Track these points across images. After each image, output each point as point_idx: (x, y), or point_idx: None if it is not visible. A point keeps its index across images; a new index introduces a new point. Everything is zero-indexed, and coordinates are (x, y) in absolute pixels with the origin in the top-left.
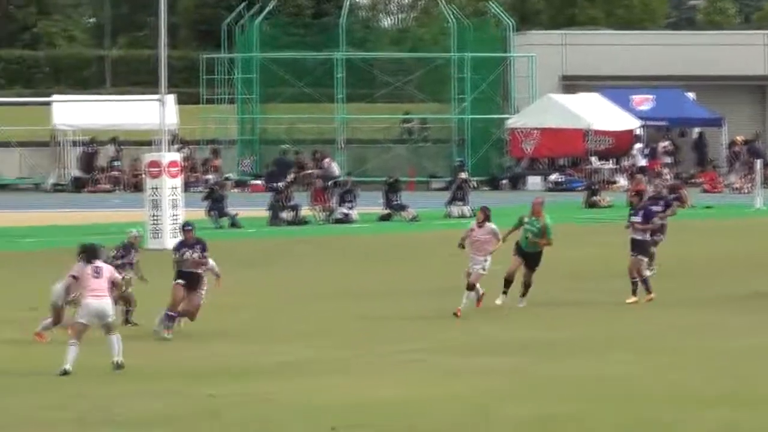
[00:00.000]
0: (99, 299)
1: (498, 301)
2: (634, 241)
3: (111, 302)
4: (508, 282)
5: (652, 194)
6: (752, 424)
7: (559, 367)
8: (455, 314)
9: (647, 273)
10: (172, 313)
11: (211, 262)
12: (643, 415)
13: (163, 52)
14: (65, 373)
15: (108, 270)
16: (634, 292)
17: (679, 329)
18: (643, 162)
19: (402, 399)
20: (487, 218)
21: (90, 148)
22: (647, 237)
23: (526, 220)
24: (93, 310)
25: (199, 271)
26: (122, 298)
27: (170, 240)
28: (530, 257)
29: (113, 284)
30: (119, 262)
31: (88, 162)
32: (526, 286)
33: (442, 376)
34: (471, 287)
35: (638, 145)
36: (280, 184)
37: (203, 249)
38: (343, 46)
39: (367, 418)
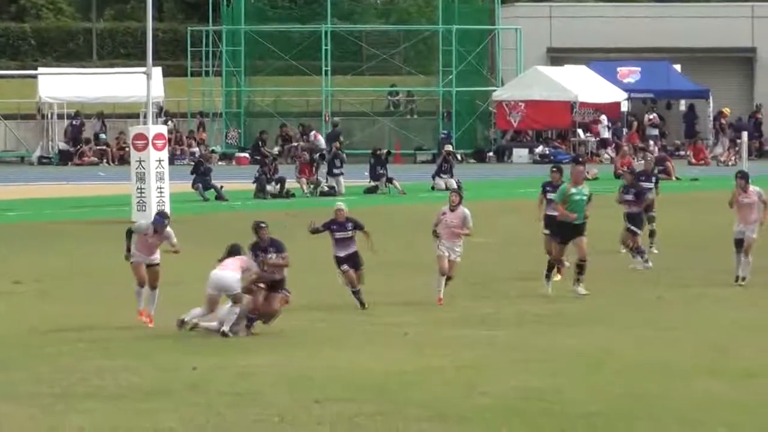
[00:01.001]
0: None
1: (550, 290)
2: (629, 215)
3: (236, 275)
4: (553, 266)
5: (643, 169)
6: (736, 397)
7: (544, 341)
8: (438, 302)
9: (640, 267)
10: (252, 316)
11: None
12: (628, 388)
13: (150, 24)
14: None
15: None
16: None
17: (664, 303)
18: (607, 135)
19: (386, 372)
20: (460, 201)
21: (76, 121)
22: (641, 210)
23: (573, 190)
24: (215, 282)
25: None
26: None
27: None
28: (578, 228)
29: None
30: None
31: (74, 135)
32: (583, 263)
33: (426, 350)
34: (449, 278)
35: (603, 117)
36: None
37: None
38: (330, 18)
39: (350, 392)
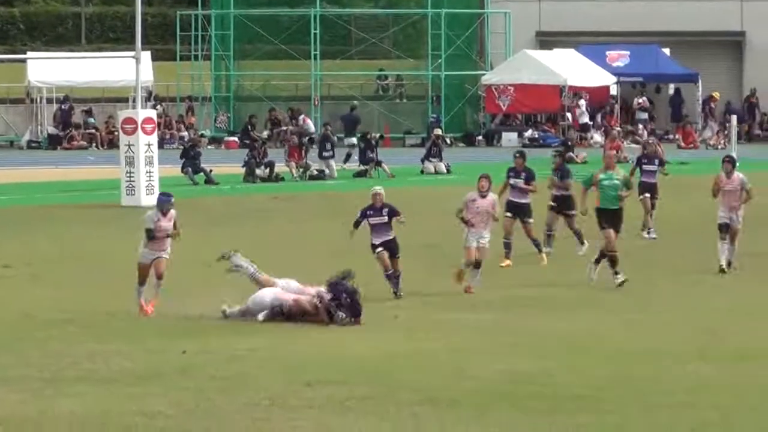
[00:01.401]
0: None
1: (595, 276)
2: (559, 198)
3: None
4: (605, 256)
5: (646, 152)
6: (727, 380)
7: (533, 324)
8: (466, 291)
9: (648, 235)
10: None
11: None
12: (617, 371)
13: (139, 8)
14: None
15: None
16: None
17: (653, 287)
18: (586, 119)
19: (376, 355)
20: (490, 187)
21: (65, 105)
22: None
23: (601, 176)
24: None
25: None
26: None
27: (145, 197)
28: (616, 217)
29: None
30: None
31: (64, 119)
32: (613, 260)
33: (417, 333)
34: (478, 264)
35: (582, 102)
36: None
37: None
38: (319, 2)
39: (341, 375)
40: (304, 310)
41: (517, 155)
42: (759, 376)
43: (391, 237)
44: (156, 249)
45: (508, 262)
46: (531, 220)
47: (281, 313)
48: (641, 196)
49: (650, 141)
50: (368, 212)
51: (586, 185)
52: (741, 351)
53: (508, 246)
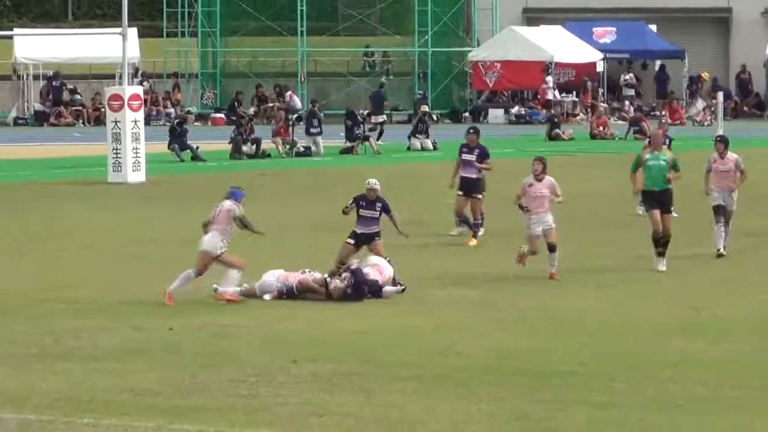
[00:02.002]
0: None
1: (662, 267)
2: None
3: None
4: (659, 241)
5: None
6: (711, 355)
7: (519, 301)
8: (551, 277)
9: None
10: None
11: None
12: (603, 347)
13: None
14: None
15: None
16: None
17: (640, 263)
18: (550, 95)
19: (362, 332)
20: (544, 169)
21: (56, 82)
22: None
23: (647, 156)
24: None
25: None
26: None
27: (132, 173)
28: (664, 198)
29: None
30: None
31: (56, 96)
32: (666, 240)
33: (405, 309)
34: (552, 248)
35: (549, 78)
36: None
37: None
38: None
39: (327, 352)
40: (309, 288)
41: (471, 131)
42: (743, 351)
43: (375, 231)
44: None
45: (474, 241)
46: (480, 196)
47: (286, 294)
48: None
49: (663, 120)
50: (361, 203)
51: (634, 168)
52: (725, 327)
53: (466, 223)
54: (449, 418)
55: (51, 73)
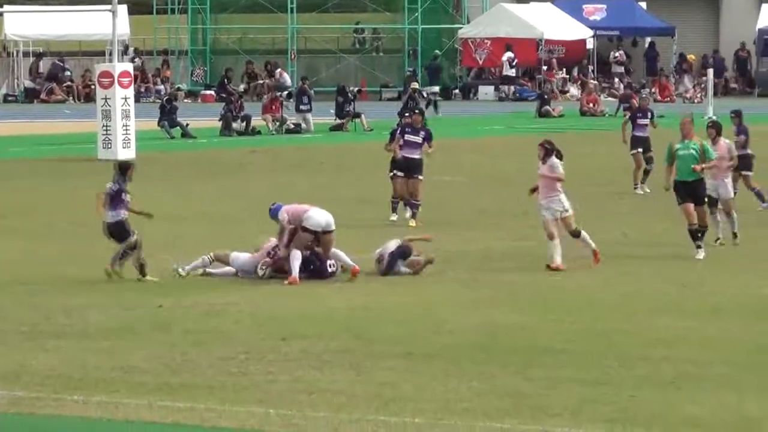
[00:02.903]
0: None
1: (700, 256)
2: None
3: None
4: (696, 234)
5: (638, 106)
6: (702, 333)
7: (510, 278)
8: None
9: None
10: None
11: None
12: (593, 325)
13: None
14: None
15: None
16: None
17: (629, 241)
18: (511, 72)
19: (352, 309)
20: (548, 153)
21: (57, 59)
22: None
23: (677, 146)
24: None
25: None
26: None
27: (122, 150)
28: (695, 189)
29: None
30: None
31: (56, 72)
32: (702, 231)
33: (393, 286)
34: (575, 234)
35: (508, 54)
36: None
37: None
38: None
39: (317, 329)
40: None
41: (416, 111)
42: (733, 329)
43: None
44: None
45: (413, 221)
46: (421, 177)
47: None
48: (634, 151)
49: (644, 94)
50: (407, 129)
51: (668, 161)
52: (715, 304)
53: (409, 204)
54: (440, 395)
55: (41, 50)
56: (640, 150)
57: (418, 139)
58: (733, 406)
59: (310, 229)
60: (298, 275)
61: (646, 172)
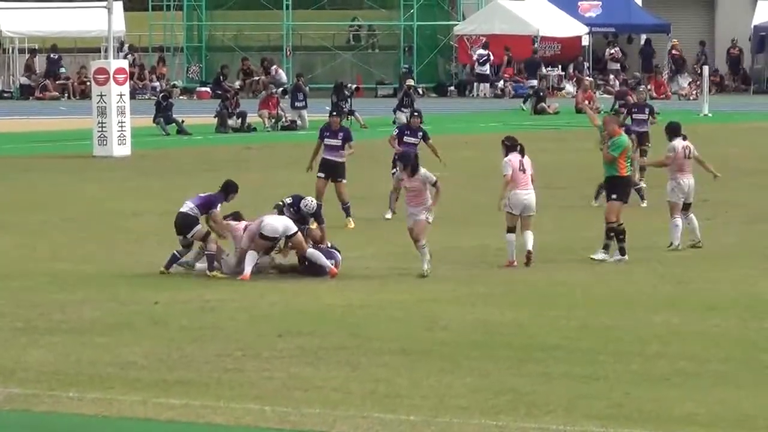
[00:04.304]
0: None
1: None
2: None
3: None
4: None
5: (635, 101)
6: (697, 329)
7: (504, 275)
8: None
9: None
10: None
11: None
12: (588, 321)
13: None
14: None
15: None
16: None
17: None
18: (482, 70)
19: (348, 306)
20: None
21: (54, 55)
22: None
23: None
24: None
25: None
26: None
27: (117, 147)
28: (611, 185)
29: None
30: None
31: (53, 69)
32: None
33: (388, 284)
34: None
35: (479, 52)
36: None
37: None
38: None
39: (313, 326)
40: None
41: (334, 114)
42: (729, 325)
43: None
44: None
45: (350, 221)
46: (344, 180)
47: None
48: None
49: (641, 89)
50: (406, 132)
51: (617, 153)
52: (710, 300)
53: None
54: (435, 392)
55: (36, 47)
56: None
57: (338, 142)
58: (729, 402)
59: (269, 236)
60: (249, 274)
61: (642, 169)
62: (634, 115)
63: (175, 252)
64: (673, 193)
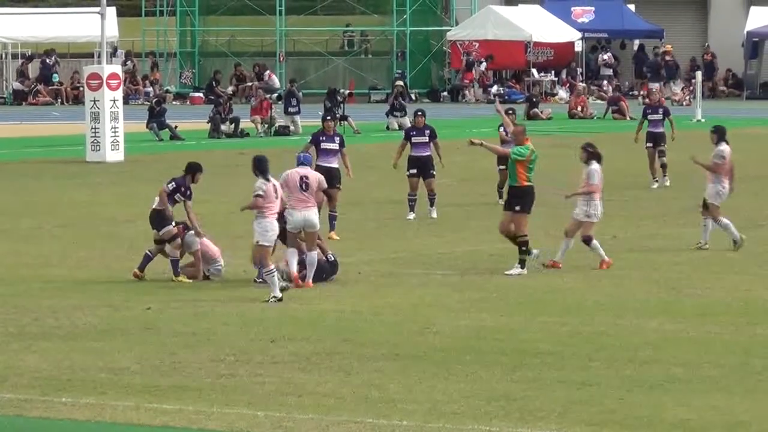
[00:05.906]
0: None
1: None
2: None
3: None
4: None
5: (648, 103)
6: (689, 335)
7: (497, 280)
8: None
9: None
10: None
11: None
12: (581, 327)
13: None
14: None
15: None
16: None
17: (617, 242)
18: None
19: (340, 311)
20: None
21: (50, 59)
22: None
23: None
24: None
25: None
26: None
27: (110, 152)
28: (514, 195)
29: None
30: None
31: (46, 74)
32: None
33: (381, 289)
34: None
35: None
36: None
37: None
38: None
39: (306, 331)
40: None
41: (328, 118)
42: (722, 332)
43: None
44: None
45: (333, 234)
46: (340, 186)
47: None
48: (646, 145)
49: (653, 89)
50: (412, 133)
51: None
52: (703, 306)
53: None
54: (428, 397)
55: (29, 52)
56: (650, 145)
57: (335, 146)
58: (722, 408)
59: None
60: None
61: (663, 166)
62: (649, 116)
63: (147, 252)
64: (718, 196)
